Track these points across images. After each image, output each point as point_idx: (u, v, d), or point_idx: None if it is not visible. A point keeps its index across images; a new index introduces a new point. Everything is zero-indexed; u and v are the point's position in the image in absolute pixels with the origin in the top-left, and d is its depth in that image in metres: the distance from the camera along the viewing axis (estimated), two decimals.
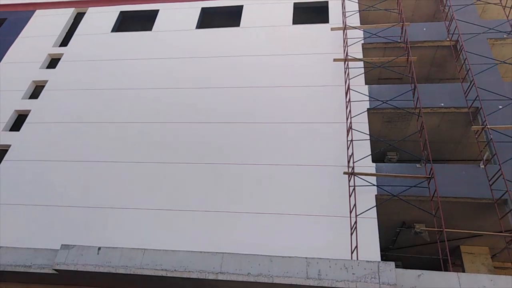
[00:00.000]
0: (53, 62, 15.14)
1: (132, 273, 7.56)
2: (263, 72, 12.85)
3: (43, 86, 14.24)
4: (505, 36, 12.46)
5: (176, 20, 15.28)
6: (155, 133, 11.97)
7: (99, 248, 7.89)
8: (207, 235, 9.64)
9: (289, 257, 7.57)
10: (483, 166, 10.07)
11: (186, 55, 13.84)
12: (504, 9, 12.95)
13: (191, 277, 7.47)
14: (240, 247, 8.49)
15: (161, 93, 12.93)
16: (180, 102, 12.57)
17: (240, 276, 7.41)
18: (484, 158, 10.31)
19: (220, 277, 7.43)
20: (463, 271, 11.28)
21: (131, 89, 13.24)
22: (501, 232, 9.23)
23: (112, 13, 16.18)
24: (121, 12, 16.26)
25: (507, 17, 12.71)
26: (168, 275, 7.51)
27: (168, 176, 10.94)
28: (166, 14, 15.56)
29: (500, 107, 10.92)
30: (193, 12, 15.38)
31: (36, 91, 14.34)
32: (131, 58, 14.19)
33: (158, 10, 15.75)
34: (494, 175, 9.63)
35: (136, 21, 16.13)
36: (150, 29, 15.21)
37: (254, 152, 11.07)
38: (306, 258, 7.53)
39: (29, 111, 13.46)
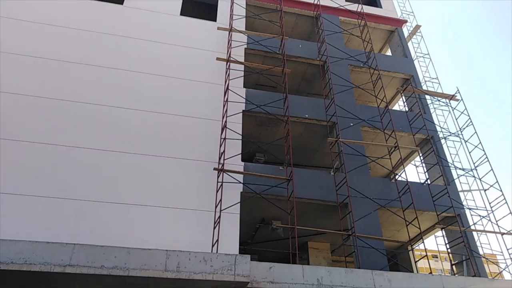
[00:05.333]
0: None
1: None
2: (143, 57, 12.34)
3: None
4: (361, 65, 14.61)
5: None
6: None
7: None
8: (62, 225, 8.79)
9: (149, 249, 7.42)
10: (332, 173, 11.61)
11: (59, 24, 12.36)
12: (363, 42, 15.18)
13: (32, 270, 6.66)
14: (99, 239, 7.99)
15: (21, 59, 11.27)
16: (42, 74, 11.18)
17: (92, 269, 6.92)
18: (334, 166, 11.88)
19: (69, 270, 6.81)
20: (308, 264, 12.77)
21: None
22: (340, 231, 10.77)
23: None
24: None
25: (365, 49, 14.93)
26: (2, 268, 6.55)
27: (17, 158, 9.61)
28: None
29: (351, 124, 12.75)
30: None
31: None
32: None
33: None
34: (340, 182, 11.20)
35: None
36: None
37: (122, 139, 10.54)
38: (166, 250, 7.48)
39: None
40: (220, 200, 9.76)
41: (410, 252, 13.49)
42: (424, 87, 15.32)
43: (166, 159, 10.47)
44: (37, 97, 10.71)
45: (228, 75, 12.21)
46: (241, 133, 11.39)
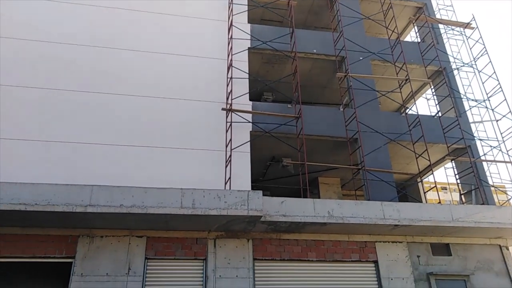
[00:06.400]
0: None
1: None
2: None
3: None
4: None
5: None
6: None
7: None
8: (78, 168, 8.96)
9: (164, 188, 7.63)
10: (342, 109, 11.47)
11: None
12: None
13: (55, 210, 6.96)
14: (114, 180, 8.19)
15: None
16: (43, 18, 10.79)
17: (112, 208, 7.21)
18: (344, 102, 11.71)
19: (90, 210, 7.11)
20: (319, 198, 13.11)
21: None
22: (350, 165, 10.88)
23: None
24: None
25: None
26: (28, 209, 6.86)
27: (29, 103, 9.59)
28: None
29: (361, 58, 12.34)
30: None
31: None
32: None
33: None
34: (350, 117, 11.09)
35: None
36: None
37: (129, 82, 10.37)
38: (181, 189, 7.69)
39: None
40: (230, 140, 9.80)
41: (420, 184, 13.71)
42: (438, 16, 14.56)
43: (174, 101, 10.34)
44: (47, 42, 10.41)
45: (231, 10, 11.65)
46: (247, 72, 11.12)
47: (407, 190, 13.75)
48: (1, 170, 8.45)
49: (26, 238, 7.70)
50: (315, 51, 12.24)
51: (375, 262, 9.07)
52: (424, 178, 13.63)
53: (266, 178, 13.22)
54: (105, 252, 7.88)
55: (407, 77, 11.95)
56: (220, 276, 8.14)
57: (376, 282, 8.88)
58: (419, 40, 14.28)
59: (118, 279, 7.68)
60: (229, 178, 9.29)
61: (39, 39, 10.40)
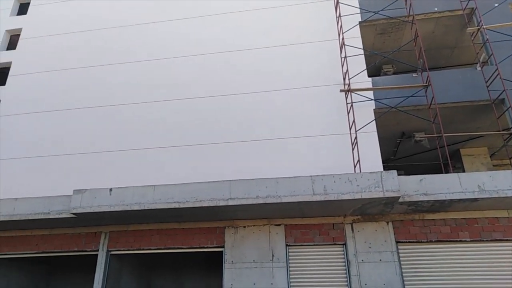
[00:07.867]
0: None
1: (146, 208, 7.83)
2: None
3: (18, 35, 13.61)
4: None
5: None
6: (152, 74, 11.66)
7: (111, 189, 8.09)
8: (214, 167, 9.82)
9: (295, 177, 7.77)
10: (479, 68, 9.99)
11: None
12: None
13: (203, 205, 7.75)
14: (247, 175, 8.71)
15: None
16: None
17: (250, 200, 7.67)
18: (481, 60, 10.18)
19: (231, 203, 7.70)
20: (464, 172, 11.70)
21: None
22: (499, 131, 9.42)
23: None
24: None
25: None
26: (181, 206, 7.79)
27: (169, 114, 10.88)
28: None
29: (496, 5, 10.53)
30: None
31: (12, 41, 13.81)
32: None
33: None
34: (491, 76, 9.59)
35: None
36: None
37: (248, 79, 10.85)
38: (310, 176, 7.73)
39: (10, 63, 13.00)
40: (354, 121, 9.46)
41: None
42: None
43: (291, 91, 10.47)
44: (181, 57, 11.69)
45: None
46: (362, 47, 10.55)
47: None
48: (150, 175, 9.81)
49: (183, 231, 8.77)
50: (436, 9, 10.93)
51: None
52: None
53: (397, 157, 12.39)
54: (249, 240, 8.45)
55: None
56: (362, 260, 7.96)
57: None
58: None
59: (264, 265, 8.16)
60: (358, 160, 8.98)
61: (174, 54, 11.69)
